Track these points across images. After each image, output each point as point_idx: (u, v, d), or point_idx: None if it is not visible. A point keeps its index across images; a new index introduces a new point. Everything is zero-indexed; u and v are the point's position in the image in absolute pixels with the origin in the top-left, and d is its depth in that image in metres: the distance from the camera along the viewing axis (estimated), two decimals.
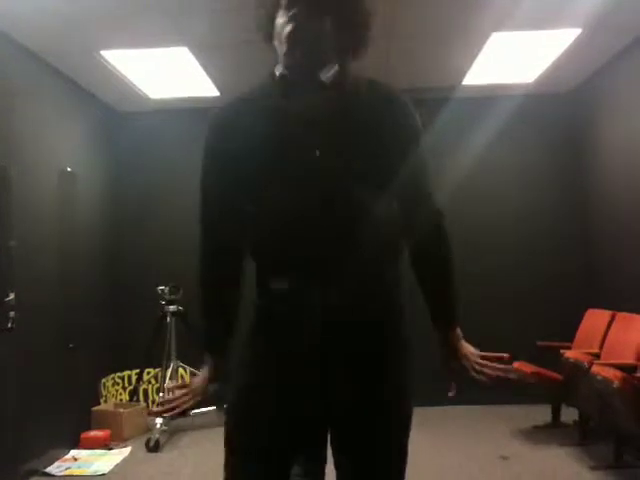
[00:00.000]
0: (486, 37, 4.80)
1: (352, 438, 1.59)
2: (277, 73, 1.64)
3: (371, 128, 1.56)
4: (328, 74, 1.60)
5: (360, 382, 1.57)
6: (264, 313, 1.65)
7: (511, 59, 5.32)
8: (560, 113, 6.28)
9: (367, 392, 1.57)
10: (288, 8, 1.56)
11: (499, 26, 4.58)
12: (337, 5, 1.59)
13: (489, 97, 6.08)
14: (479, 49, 5.05)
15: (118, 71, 5.25)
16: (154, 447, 4.95)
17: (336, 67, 1.62)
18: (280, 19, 1.58)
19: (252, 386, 1.64)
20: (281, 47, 1.59)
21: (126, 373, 5.98)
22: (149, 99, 6.02)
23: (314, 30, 1.57)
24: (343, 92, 1.60)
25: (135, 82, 5.56)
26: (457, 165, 5.71)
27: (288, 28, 1.55)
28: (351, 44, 1.66)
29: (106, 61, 5.00)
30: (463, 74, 5.66)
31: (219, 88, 5.82)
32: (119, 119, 6.44)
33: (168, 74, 5.43)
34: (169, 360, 5.59)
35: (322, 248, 1.54)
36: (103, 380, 5.92)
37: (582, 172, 6.12)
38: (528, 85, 5.93)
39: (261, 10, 1.66)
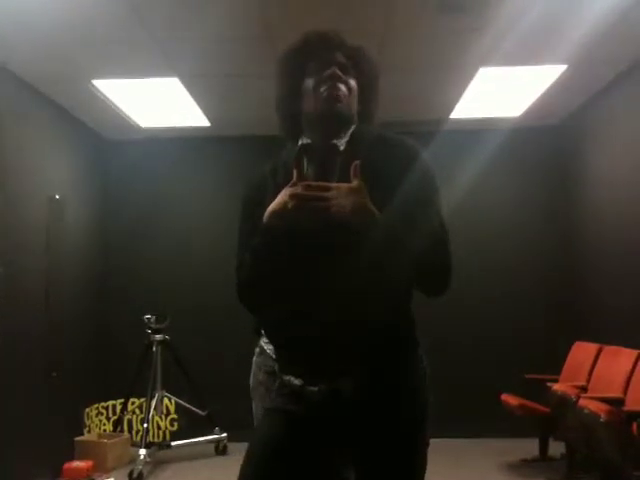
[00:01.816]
0: (474, 71, 4.88)
1: None
2: (300, 143, 1.69)
3: (385, 195, 1.55)
4: (343, 139, 1.66)
5: (379, 450, 1.62)
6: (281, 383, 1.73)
7: (498, 93, 5.40)
8: (546, 146, 6.35)
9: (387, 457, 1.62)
10: (319, 72, 1.64)
11: (487, 61, 4.66)
12: (360, 68, 1.71)
13: (477, 130, 6.15)
14: (467, 83, 5.12)
15: (109, 100, 5.27)
16: (137, 479, 4.87)
17: (352, 128, 1.69)
18: (310, 81, 1.65)
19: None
20: (314, 107, 1.64)
21: (110, 403, 5.90)
22: (140, 128, 6.05)
23: (349, 88, 1.66)
24: (355, 156, 1.60)
25: (126, 111, 5.59)
26: (444, 198, 5.74)
27: (326, 86, 1.63)
28: (368, 106, 1.74)
29: (98, 90, 5.03)
30: (451, 108, 5.73)
31: (209, 118, 5.86)
32: (109, 147, 6.45)
33: (159, 104, 5.46)
34: (154, 390, 5.53)
35: (333, 334, 1.58)
36: (87, 410, 5.84)
37: (568, 204, 6.17)
38: (515, 118, 6.01)
39: (287, 80, 1.71)
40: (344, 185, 1.50)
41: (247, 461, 1.65)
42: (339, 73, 1.64)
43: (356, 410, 1.61)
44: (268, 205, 1.57)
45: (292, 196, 1.49)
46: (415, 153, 1.66)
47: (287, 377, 1.68)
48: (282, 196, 1.54)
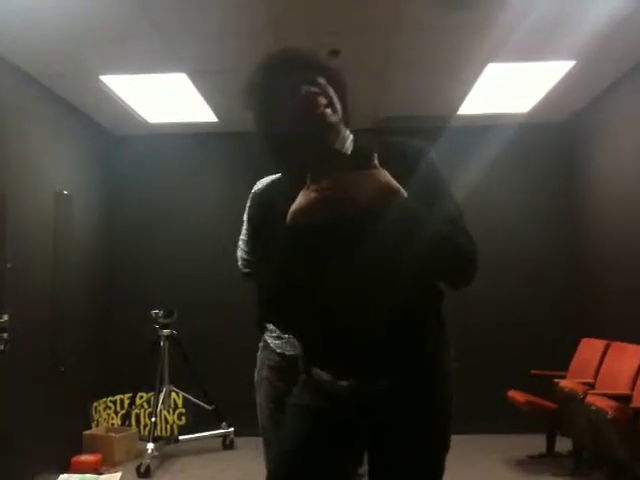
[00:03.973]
0: (482, 67, 4.86)
1: None
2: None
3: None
4: (345, 144, 1.63)
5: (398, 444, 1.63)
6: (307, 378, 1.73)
7: (506, 89, 5.38)
8: (553, 143, 6.33)
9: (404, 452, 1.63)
10: (294, 96, 1.59)
11: (494, 57, 4.64)
12: (328, 77, 1.65)
13: (484, 126, 6.13)
14: (475, 79, 5.10)
15: (117, 95, 5.28)
16: (145, 473, 4.90)
17: (350, 136, 1.66)
18: (288, 106, 1.60)
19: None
20: (302, 130, 1.59)
21: (118, 397, 5.93)
22: (147, 123, 6.06)
23: (328, 96, 1.61)
24: (361, 164, 1.57)
25: (133, 106, 5.60)
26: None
27: (307, 106, 1.58)
28: (344, 113, 1.67)
29: (105, 85, 5.04)
30: (459, 103, 5.71)
31: (217, 114, 5.86)
32: (116, 142, 6.47)
33: (166, 99, 5.47)
34: (162, 384, 5.56)
35: (362, 338, 1.58)
36: (95, 404, 5.87)
37: (575, 201, 6.15)
38: (523, 115, 5.99)
39: (263, 114, 1.67)
40: (361, 173, 1.50)
41: (277, 458, 1.66)
42: (314, 89, 1.59)
43: (383, 407, 1.61)
44: (277, 215, 1.57)
45: (314, 191, 1.50)
46: (422, 151, 1.65)
47: (315, 370, 1.68)
48: (302, 196, 1.52)
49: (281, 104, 1.61)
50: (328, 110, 1.59)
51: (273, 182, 1.76)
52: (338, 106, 1.64)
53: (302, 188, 1.53)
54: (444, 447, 1.66)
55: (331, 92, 1.63)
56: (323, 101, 1.60)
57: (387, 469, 1.64)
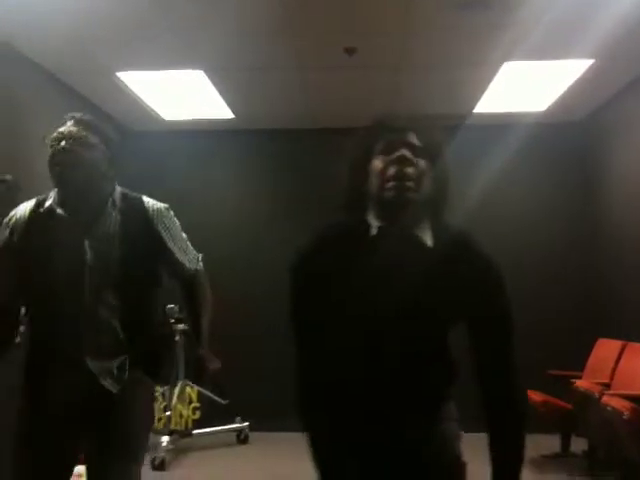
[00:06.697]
0: (498, 66, 4.84)
1: None
2: (372, 224, 1.63)
3: (448, 286, 1.59)
4: (418, 228, 1.63)
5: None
6: None
7: (523, 88, 5.35)
8: (571, 141, 6.29)
9: None
10: (388, 152, 1.58)
11: (511, 56, 4.62)
12: (432, 152, 1.62)
13: (501, 125, 6.09)
14: (491, 78, 5.08)
15: (133, 92, 5.32)
16: (160, 466, 4.93)
17: (426, 223, 1.64)
18: (378, 162, 1.59)
19: None
20: (381, 188, 1.58)
21: None
22: (163, 120, 6.09)
23: (418, 171, 1.58)
24: (427, 248, 1.61)
25: (150, 103, 5.63)
26: (468, 192, 5.71)
27: (393, 170, 1.56)
28: (440, 196, 1.65)
29: (122, 82, 5.08)
30: (475, 102, 5.69)
31: (234, 111, 5.88)
32: (132, 139, 6.49)
33: (183, 96, 5.49)
34: (177, 378, 5.59)
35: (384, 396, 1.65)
36: None
37: (592, 201, 6.12)
38: (540, 113, 5.96)
39: (354, 156, 1.67)
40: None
41: None
42: (407, 155, 1.56)
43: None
44: (333, 286, 1.60)
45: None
46: (492, 266, 1.69)
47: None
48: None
49: (374, 159, 1.61)
50: (410, 183, 1.56)
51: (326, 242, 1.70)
52: (424, 182, 1.59)
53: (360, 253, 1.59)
54: None
55: (424, 167, 1.59)
56: (410, 171, 1.56)
57: None
